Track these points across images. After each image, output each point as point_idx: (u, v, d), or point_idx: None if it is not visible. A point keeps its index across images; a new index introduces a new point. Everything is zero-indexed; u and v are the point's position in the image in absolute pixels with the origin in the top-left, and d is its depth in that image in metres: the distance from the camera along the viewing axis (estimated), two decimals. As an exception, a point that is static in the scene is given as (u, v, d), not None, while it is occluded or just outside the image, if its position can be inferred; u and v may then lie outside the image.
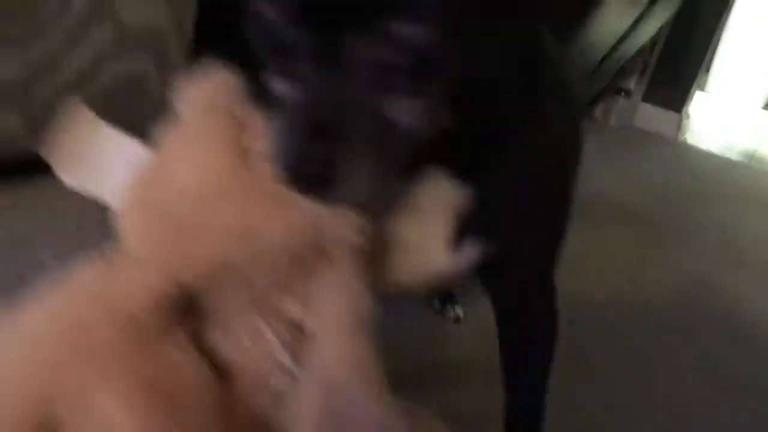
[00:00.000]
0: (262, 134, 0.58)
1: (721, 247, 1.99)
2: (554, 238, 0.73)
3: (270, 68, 0.55)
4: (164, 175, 0.59)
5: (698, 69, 3.01)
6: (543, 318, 0.77)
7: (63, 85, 1.32)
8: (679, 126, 3.07)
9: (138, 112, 1.46)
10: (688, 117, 3.17)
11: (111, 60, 1.38)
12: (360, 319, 0.57)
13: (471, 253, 0.66)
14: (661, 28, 2.64)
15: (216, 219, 0.57)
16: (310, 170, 0.50)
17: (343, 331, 0.56)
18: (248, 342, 0.60)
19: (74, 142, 0.65)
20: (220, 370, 0.59)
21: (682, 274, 1.73)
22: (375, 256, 0.61)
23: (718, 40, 3.12)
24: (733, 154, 3.09)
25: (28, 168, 1.24)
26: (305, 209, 0.56)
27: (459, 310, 1.31)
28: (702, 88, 3.66)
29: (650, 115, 3.09)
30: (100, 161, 0.64)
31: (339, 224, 0.58)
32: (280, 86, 0.55)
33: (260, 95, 0.60)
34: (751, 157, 3.13)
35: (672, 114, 3.07)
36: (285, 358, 0.59)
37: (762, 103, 4.08)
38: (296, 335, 0.59)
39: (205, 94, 0.61)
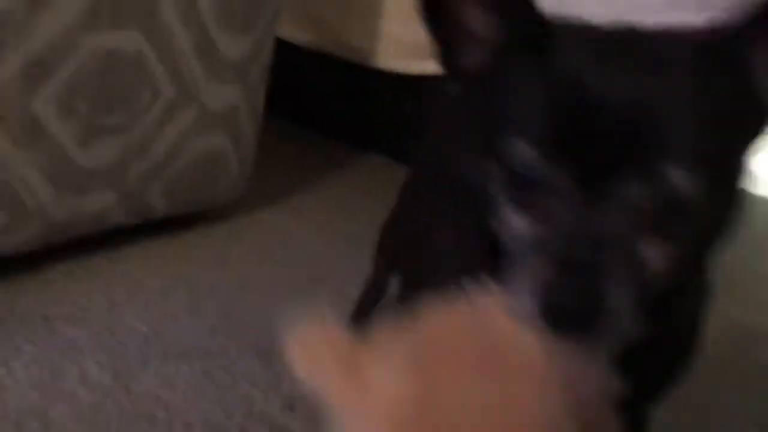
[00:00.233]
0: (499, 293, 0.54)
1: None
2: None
3: (507, 205, 0.54)
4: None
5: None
6: None
7: (153, 163, 1.44)
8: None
9: (216, 185, 1.59)
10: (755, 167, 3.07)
11: (195, 139, 1.50)
12: None
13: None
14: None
15: None
16: (573, 304, 0.48)
17: None
18: None
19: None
20: None
21: (731, 323, 1.76)
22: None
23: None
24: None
25: (118, 240, 1.43)
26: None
27: None
28: None
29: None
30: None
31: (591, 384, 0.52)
32: (518, 223, 0.54)
33: (483, 248, 0.58)
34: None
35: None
36: None
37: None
38: None
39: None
